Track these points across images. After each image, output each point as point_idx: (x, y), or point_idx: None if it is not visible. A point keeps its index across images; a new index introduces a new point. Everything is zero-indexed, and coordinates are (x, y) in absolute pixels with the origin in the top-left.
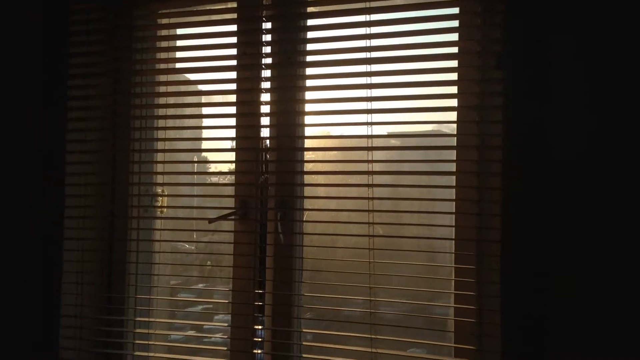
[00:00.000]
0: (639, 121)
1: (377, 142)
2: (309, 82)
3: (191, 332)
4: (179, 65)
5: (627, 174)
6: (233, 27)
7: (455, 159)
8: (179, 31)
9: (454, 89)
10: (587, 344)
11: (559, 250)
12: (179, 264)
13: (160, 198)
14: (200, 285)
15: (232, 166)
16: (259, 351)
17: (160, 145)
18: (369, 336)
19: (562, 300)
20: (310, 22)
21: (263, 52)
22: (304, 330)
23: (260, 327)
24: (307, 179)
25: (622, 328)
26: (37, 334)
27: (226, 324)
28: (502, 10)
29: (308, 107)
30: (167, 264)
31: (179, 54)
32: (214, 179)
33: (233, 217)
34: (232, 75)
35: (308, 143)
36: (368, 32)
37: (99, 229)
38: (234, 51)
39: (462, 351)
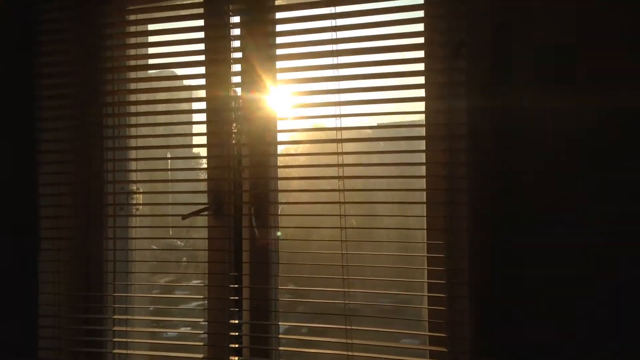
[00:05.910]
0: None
1: (346, 135)
2: (279, 76)
3: (171, 330)
4: (148, 61)
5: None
6: (201, 22)
7: (425, 149)
8: (149, 27)
9: (421, 80)
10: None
11: (525, 237)
12: (155, 261)
13: (135, 195)
14: (177, 282)
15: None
16: (237, 345)
17: (133, 142)
18: (344, 327)
19: (530, 287)
20: (278, 15)
21: (232, 46)
22: (280, 323)
23: (236, 321)
24: (281, 172)
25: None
26: (15, 335)
27: (202, 320)
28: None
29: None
30: (143, 261)
31: (149, 51)
32: (189, 175)
33: (206, 212)
34: (202, 70)
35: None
36: (334, 24)
37: (75, 228)
38: (202, 46)
39: (436, 339)
